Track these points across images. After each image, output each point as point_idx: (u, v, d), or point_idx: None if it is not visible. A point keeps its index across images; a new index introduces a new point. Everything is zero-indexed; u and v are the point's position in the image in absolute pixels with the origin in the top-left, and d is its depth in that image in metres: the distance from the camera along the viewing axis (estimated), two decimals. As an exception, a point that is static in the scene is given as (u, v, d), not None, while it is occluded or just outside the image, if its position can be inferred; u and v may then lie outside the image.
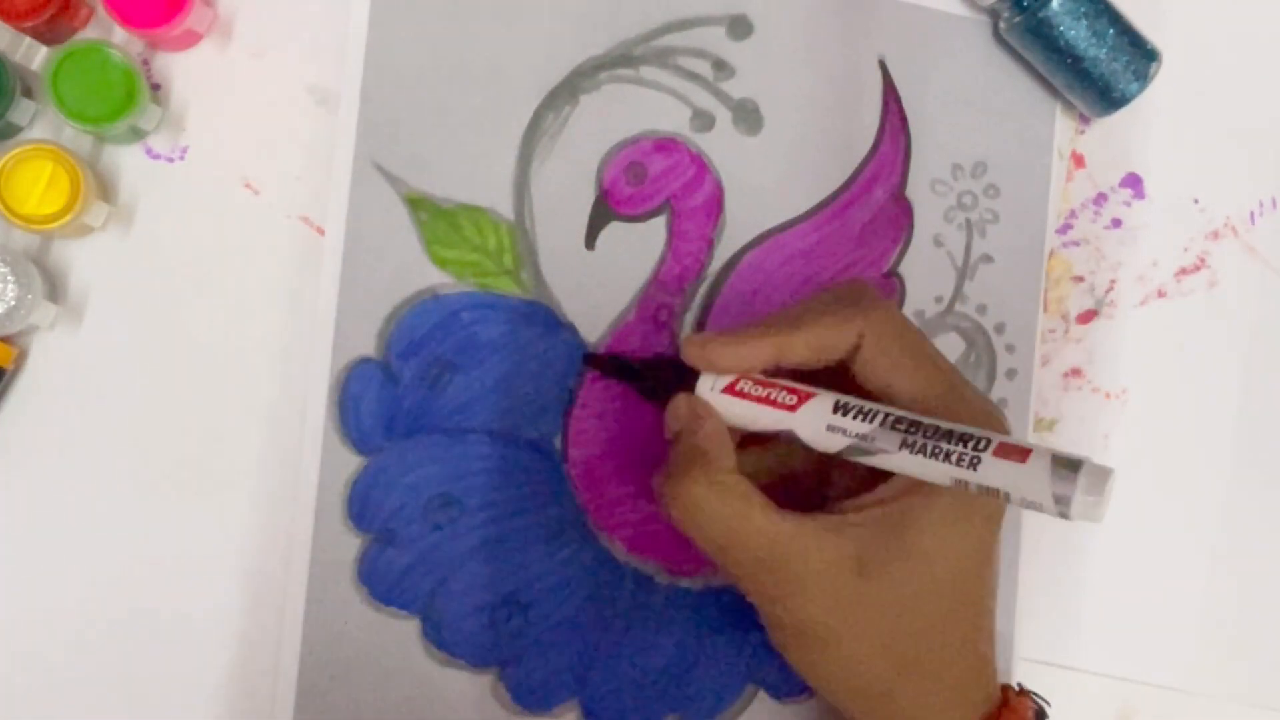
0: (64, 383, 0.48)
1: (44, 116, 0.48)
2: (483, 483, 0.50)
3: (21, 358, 0.48)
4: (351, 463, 0.49)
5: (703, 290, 0.52)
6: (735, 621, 0.52)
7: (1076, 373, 0.55)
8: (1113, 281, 0.55)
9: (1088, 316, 0.55)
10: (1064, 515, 0.39)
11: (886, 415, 0.42)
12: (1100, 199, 0.55)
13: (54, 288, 0.48)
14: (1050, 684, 0.54)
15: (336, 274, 0.49)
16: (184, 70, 0.49)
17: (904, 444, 0.41)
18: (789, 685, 0.52)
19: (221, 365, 0.49)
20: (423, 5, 0.50)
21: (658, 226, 0.51)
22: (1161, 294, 0.56)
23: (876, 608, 0.42)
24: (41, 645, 0.48)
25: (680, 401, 0.45)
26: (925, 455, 0.41)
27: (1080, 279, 0.55)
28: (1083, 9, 0.51)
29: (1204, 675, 0.55)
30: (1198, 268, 0.56)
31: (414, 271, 0.49)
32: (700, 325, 0.52)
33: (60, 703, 0.48)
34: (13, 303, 0.46)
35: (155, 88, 0.49)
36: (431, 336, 0.49)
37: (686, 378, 0.45)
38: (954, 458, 0.40)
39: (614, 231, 0.51)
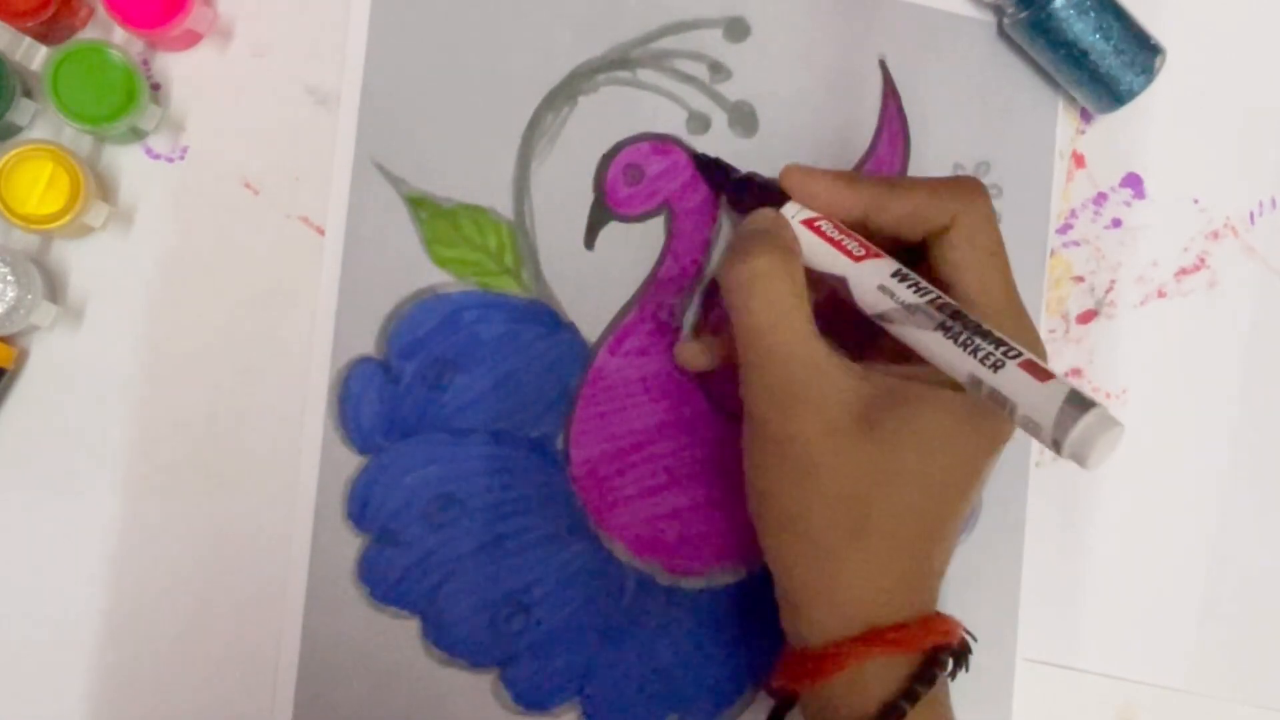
0: (64, 383, 0.48)
1: (44, 116, 0.48)
2: (483, 483, 0.50)
3: (21, 358, 0.48)
4: (352, 462, 0.49)
5: (701, 290, 0.52)
6: (735, 622, 0.52)
7: (1076, 373, 0.55)
8: (1113, 281, 0.55)
9: (1088, 316, 0.55)
10: (1056, 447, 0.39)
11: (938, 298, 0.43)
12: (1100, 199, 0.55)
13: (54, 288, 0.48)
14: (1050, 684, 0.54)
15: (336, 274, 0.49)
16: (184, 70, 0.49)
17: (940, 326, 0.42)
18: (789, 686, 0.52)
19: (221, 365, 0.49)
20: (423, 6, 0.50)
21: (656, 227, 0.51)
22: (1161, 294, 0.56)
23: (862, 461, 0.42)
24: (39, 644, 0.48)
25: (768, 211, 0.46)
26: (955, 343, 0.41)
27: (1080, 279, 0.55)
28: (1088, 4, 0.51)
29: (1204, 675, 0.55)
30: (1198, 268, 0.56)
31: (414, 271, 0.50)
32: (700, 325, 0.52)
33: (58, 701, 0.48)
34: (13, 303, 0.46)
35: (155, 88, 0.49)
36: (432, 336, 0.49)
37: (770, 201, 0.47)
38: (980, 354, 0.41)
39: (613, 231, 0.51)
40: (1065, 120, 0.55)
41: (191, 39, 0.49)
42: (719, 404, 0.52)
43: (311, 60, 0.50)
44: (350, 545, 0.49)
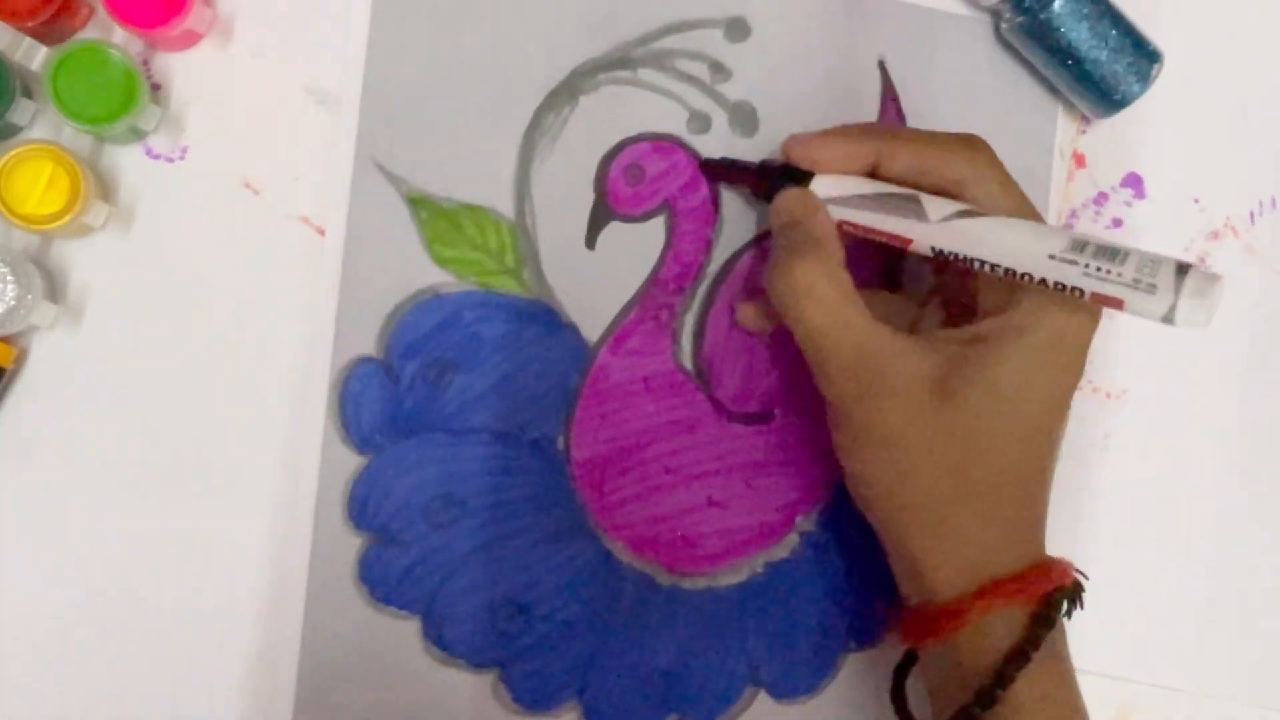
0: (64, 383, 0.48)
1: (44, 116, 0.48)
2: (484, 483, 0.50)
3: (21, 358, 0.48)
4: (352, 462, 0.49)
5: (702, 290, 0.52)
6: (735, 622, 0.52)
7: (1076, 372, 0.55)
8: (1112, 281, 0.55)
9: (1088, 316, 0.55)
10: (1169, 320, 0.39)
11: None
12: (1101, 199, 0.55)
13: (54, 288, 0.48)
14: (1051, 684, 0.54)
15: (337, 274, 0.49)
16: (184, 70, 0.49)
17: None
18: (789, 686, 0.52)
19: (221, 365, 0.49)
20: (423, 5, 0.50)
21: (657, 227, 0.51)
22: (1161, 294, 0.56)
23: (950, 429, 0.43)
24: (40, 645, 0.48)
25: (791, 194, 0.47)
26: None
27: (1080, 279, 0.55)
28: (1085, 10, 0.51)
29: (1204, 675, 0.55)
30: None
31: (415, 271, 0.49)
32: (700, 325, 0.52)
33: (59, 702, 0.48)
34: (13, 303, 0.46)
35: (155, 88, 0.49)
36: (433, 336, 0.49)
37: (799, 181, 0.47)
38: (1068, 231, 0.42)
39: (614, 231, 0.51)
40: (1066, 120, 0.55)
41: (191, 39, 0.49)
42: (719, 404, 0.52)
43: (311, 60, 0.50)
44: (350, 545, 0.49)
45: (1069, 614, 0.45)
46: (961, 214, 0.44)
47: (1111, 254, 0.40)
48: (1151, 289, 0.39)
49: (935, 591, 0.44)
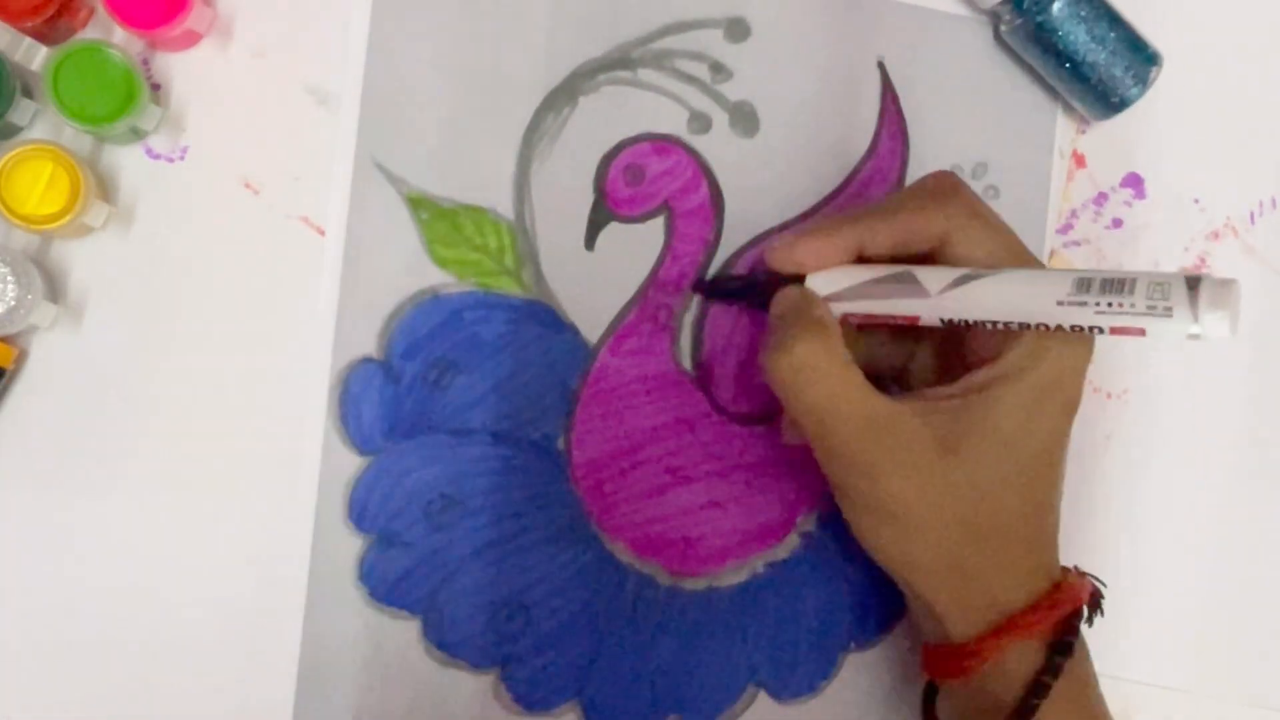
0: (64, 383, 0.48)
1: (44, 116, 0.48)
2: (485, 484, 0.50)
3: (21, 358, 0.48)
4: (352, 463, 0.49)
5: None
6: (736, 622, 0.52)
7: (1076, 373, 0.55)
8: (1113, 282, 0.55)
9: (1088, 316, 0.55)
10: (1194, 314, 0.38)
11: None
12: (1101, 199, 0.55)
13: (54, 288, 0.48)
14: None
15: (337, 274, 0.49)
16: (184, 70, 0.49)
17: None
18: (789, 686, 0.52)
19: (221, 365, 0.49)
20: (423, 6, 0.50)
21: (656, 227, 0.51)
22: (1161, 294, 0.56)
23: (955, 485, 0.43)
24: (39, 645, 0.48)
25: (787, 291, 0.46)
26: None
27: (1080, 279, 0.55)
28: (1083, 13, 0.51)
29: (1204, 675, 0.55)
30: (1198, 268, 0.56)
31: (415, 271, 0.50)
32: (700, 326, 0.52)
33: (59, 702, 0.48)
34: (13, 303, 0.46)
35: (155, 88, 0.49)
36: (433, 336, 0.50)
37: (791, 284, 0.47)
38: (1079, 272, 0.41)
39: (614, 232, 0.51)
40: (1065, 120, 0.55)
41: (191, 39, 0.49)
42: (719, 404, 0.52)
43: (311, 60, 0.50)
44: (351, 546, 0.49)
45: (1090, 621, 0.45)
46: (960, 280, 0.43)
47: (1119, 286, 0.39)
48: (1168, 312, 0.38)
49: (951, 633, 0.45)
